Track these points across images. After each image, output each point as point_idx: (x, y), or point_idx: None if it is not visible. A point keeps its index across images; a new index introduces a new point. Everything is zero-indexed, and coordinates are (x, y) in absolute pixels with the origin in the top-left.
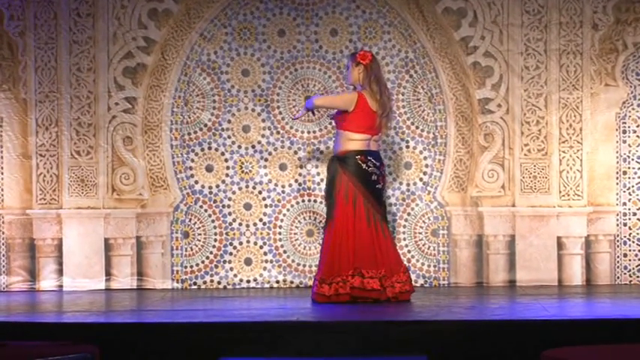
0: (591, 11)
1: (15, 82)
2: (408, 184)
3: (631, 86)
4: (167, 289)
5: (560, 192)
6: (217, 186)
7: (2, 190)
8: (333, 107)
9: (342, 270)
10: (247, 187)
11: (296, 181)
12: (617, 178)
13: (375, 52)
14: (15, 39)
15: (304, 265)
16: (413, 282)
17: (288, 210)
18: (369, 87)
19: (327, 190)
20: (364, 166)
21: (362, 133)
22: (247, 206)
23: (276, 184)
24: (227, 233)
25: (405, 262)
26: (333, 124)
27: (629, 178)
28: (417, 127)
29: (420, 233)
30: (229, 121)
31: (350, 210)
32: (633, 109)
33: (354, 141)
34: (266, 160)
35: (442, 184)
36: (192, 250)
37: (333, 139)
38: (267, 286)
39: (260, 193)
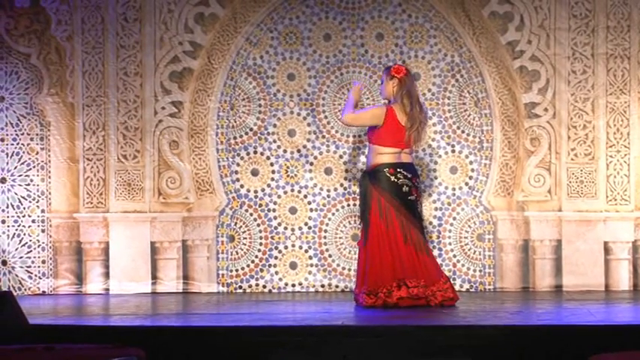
0: (639, 15)
1: (62, 86)
2: (454, 189)
3: None
4: (212, 293)
5: (607, 197)
6: (263, 190)
7: (50, 193)
8: (363, 124)
9: (386, 281)
10: (293, 191)
11: (341, 185)
12: None
13: (421, 57)
14: (62, 44)
15: (349, 270)
16: (458, 287)
17: (333, 214)
18: (401, 101)
19: (361, 206)
20: (393, 178)
21: (391, 147)
22: (293, 210)
23: (321, 189)
24: (272, 237)
25: (451, 267)
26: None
27: None
28: (463, 132)
29: (466, 238)
30: (275, 126)
31: (383, 224)
32: None
33: (384, 154)
34: (311, 164)
35: (488, 188)
36: (237, 253)
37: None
38: (312, 290)
39: (305, 197)
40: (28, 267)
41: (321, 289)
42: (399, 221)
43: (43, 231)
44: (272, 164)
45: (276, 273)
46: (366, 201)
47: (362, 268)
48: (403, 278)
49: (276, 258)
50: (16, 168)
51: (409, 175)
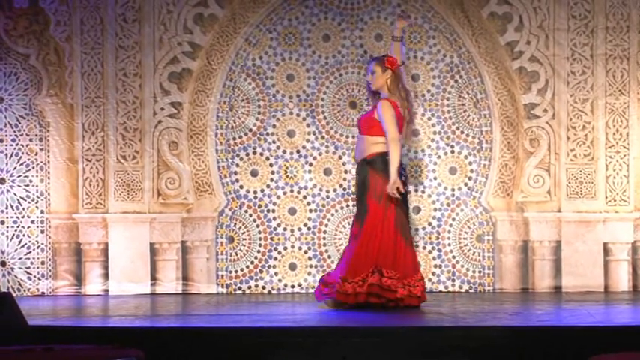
0: (638, 16)
1: (62, 87)
2: (453, 190)
3: None
4: (212, 294)
5: (606, 197)
6: (262, 191)
7: (49, 194)
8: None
9: (363, 269)
10: (292, 191)
11: (340, 186)
12: None
13: (420, 57)
14: (62, 44)
15: None
16: (458, 288)
17: (332, 215)
18: (398, 93)
19: (359, 193)
20: None
21: None
22: (292, 211)
23: (320, 189)
24: (272, 238)
25: (450, 267)
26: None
27: None
28: (462, 132)
29: (465, 239)
30: (274, 126)
31: (381, 211)
32: None
33: (381, 144)
34: (311, 165)
35: (487, 189)
36: (236, 254)
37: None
38: (311, 291)
39: (305, 198)
40: (27, 268)
41: None
42: (395, 210)
43: (42, 232)
44: (271, 165)
45: (276, 274)
46: (366, 187)
47: (350, 253)
48: (381, 266)
49: (275, 259)
50: (15, 169)
51: (403, 166)
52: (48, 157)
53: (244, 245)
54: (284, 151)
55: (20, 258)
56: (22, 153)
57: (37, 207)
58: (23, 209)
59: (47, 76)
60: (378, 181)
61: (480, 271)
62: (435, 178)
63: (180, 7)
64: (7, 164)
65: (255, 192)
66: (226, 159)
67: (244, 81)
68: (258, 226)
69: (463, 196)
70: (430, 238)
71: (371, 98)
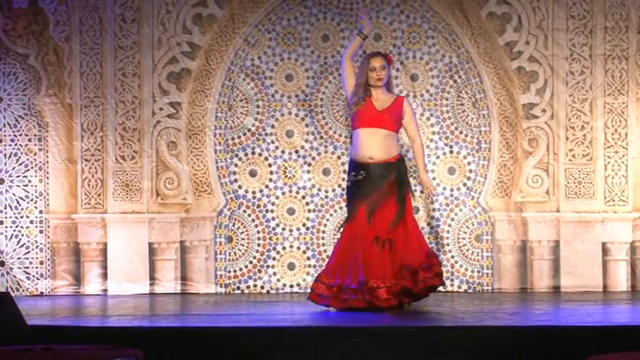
0: (637, 16)
1: (60, 87)
2: (452, 190)
3: None
4: (210, 294)
5: (605, 197)
6: (261, 191)
7: (48, 194)
8: None
9: (421, 258)
10: (291, 191)
11: (339, 186)
12: None
13: (419, 57)
14: (61, 44)
15: None
16: (457, 288)
17: (331, 215)
18: (393, 90)
19: (399, 192)
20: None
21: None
22: (291, 211)
23: (319, 189)
24: (270, 238)
25: (449, 267)
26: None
27: None
28: (461, 132)
29: (464, 239)
30: (273, 126)
31: (411, 208)
32: None
33: (398, 143)
34: (309, 164)
35: (486, 189)
36: (235, 254)
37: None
38: (310, 290)
39: (303, 197)
40: (26, 268)
41: None
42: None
43: (41, 232)
44: (270, 165)
45: (274, 274)
46: (404, 187)
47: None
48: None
49: (274, 259)
50: (14, 169)
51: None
52: (47, 157)
53: (243, 245)
54: (283, 151)
55: (19, 258)
56: (21, 153)
57: (35, 207)
58: (22, 209)
59: (46, 76)
60: (408, 179)
61: (478, 271)
62: (434, 178)
63: (179, 7)
64: (5, 164)
65: (253, 192)
66: (225, 159)
67: (243, 81)
68: (257, 226)
69: (462, 196)
70: (429, 238)
71: (362, 94)
